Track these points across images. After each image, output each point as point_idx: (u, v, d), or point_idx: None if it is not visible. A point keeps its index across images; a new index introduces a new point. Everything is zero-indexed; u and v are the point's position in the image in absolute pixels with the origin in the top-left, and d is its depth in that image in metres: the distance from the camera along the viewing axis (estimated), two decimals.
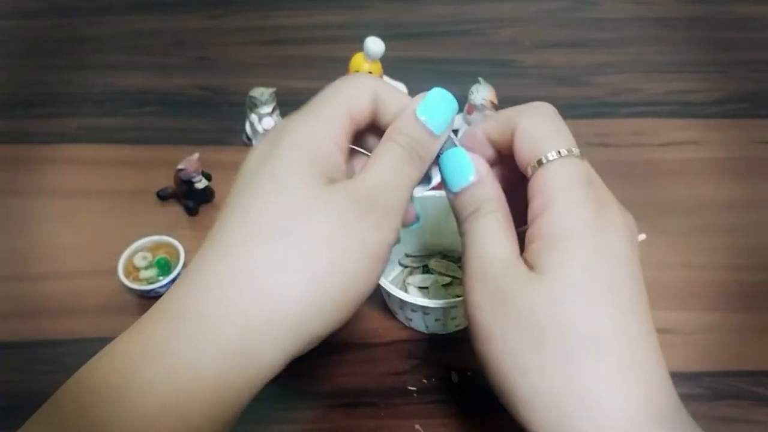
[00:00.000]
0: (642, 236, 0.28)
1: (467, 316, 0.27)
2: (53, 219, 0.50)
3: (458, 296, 0.39)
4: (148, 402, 0.22)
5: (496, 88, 0.52)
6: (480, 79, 0.51)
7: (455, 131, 0.53)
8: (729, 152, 0.54)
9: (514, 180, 0.29)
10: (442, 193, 0.44)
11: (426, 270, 0.45)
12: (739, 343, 0.42)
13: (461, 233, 0.29)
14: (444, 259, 0.45)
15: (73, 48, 0.66)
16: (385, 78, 0.56)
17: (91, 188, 0.52)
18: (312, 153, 0.26)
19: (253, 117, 0.52)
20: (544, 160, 0.26)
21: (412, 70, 0.61)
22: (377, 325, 0.43)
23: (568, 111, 0.59)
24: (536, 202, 0.26)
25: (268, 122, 0.52)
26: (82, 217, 0.50)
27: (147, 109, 0.59)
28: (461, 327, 0.42)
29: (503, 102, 0.52)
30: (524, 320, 0.25)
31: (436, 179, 0.48)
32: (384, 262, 0.27)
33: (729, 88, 0.60)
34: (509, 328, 0.25)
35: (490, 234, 0.27)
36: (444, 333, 0.42)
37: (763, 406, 0.39)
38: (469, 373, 0.40)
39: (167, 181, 0.50)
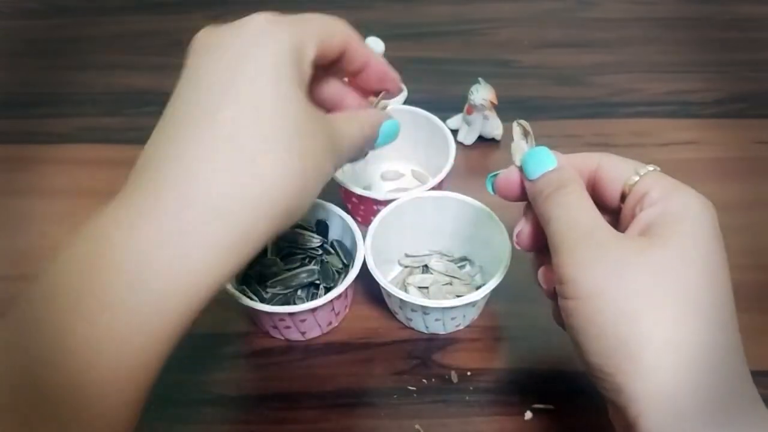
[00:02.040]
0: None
1: (562, 276, 0.28)
2: (53, 219, 0.50)
3: (458, 296, 0.39)
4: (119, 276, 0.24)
5: (496, 88, 0.51)
6: (480, 79, 0.51)
7: (455, 131, 0.53)
8: (729, 152, 0.54)
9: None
10: (442, 193, 0.44)
11: (426, 270, 0.45)
12: None
13: (543, 210, 0.31)
14: (444, 259, 0.45)
15: (73, 48, 0.66)
16: None
17: (91, 188, 0.52)
18: (299, 66, 0.29)
19: None
20: (644, 171, 0.30)
21: (412, 70, 0.60)
22: (377, 325, 0.43)
23: (568, 111, 0.59)
24: (654, 194, 0.29)
25: None
26: (82, 217, 0.49)
27: (147, 109, 0.59)
28: (461, 327, 0.42)
29: (503, 102, 0.52)
30: (633, 281, 0.27)
31: (436, 180, 0.48)
32: (315, 184, 0.29)
33: (729, 88, 0.60)
34: (615, 282, 0.27)
35: (585, 204, 0.30)
36: (444, 333, 0.42)
37: None
38: (469, 373, 0.40)
39: None
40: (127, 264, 0.24)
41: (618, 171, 0.31)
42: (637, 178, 0.30)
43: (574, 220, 0.29)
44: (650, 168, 0.30)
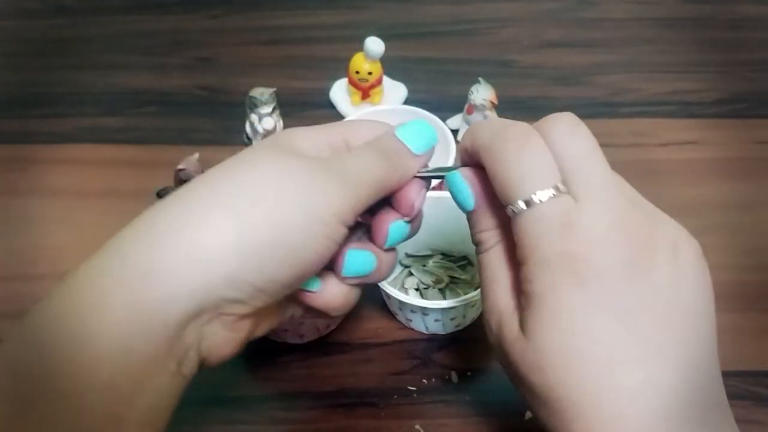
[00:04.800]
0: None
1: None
2: (53, 219, 0.50)
3: (458, 297, 0.39)
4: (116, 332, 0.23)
5: (496, 88, 0.52)
6: (480, 79, 0.51)
7: (455, 131, 0.53)
8: (729, 152, 0.54)
9: None
10: (442, 193, 0.44)
11: (426, 270, 0.45)
12: (739, 343, 0.42)
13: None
14: (444, 259, 0.45)
15: (73, 48, 0.66)
16: (385, 78, 0.56)
17: (91, 188, 0.52)
18: (286, 145, 0.28)
19: (253, 117, 0.52)
20: (513, 212, 0.25)
21: (412, 70, 0.61)
22: (377, 325, 0.43)
23: (568, 111, 0.59)
24: (518, 252, 0.25)
25: (268, 122, 0.52)
26: (82, 217, 0.50)
27: (147, 109, 0.59)
28: (461, 327, 0.42)
29: (503, 102, 0.52)
30: (516, 374, 0.26)
31: (437, 180, 0.48)
32: (332, 238, 0.26)
33: (729, 88, 0.60)
34: (511, 376, 0.26)
35: (490, 277, 0.28)
36: (444, 333, 0.42)
37: (763, 406, 0.39)
38: (469, 373, 0.40)
39: (167, 181, 0.50)
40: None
41: (500, 194, 0.26)
42: (512, 214, 0.25)
43: (484, 293, 0.28)
44: (519, 208, 0.24)
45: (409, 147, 0.28)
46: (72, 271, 0.25)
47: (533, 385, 0.25)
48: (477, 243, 0.28)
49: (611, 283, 0.24)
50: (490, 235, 0.27)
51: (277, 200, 0.25)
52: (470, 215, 0.28)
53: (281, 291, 0.26)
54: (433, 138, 0.29)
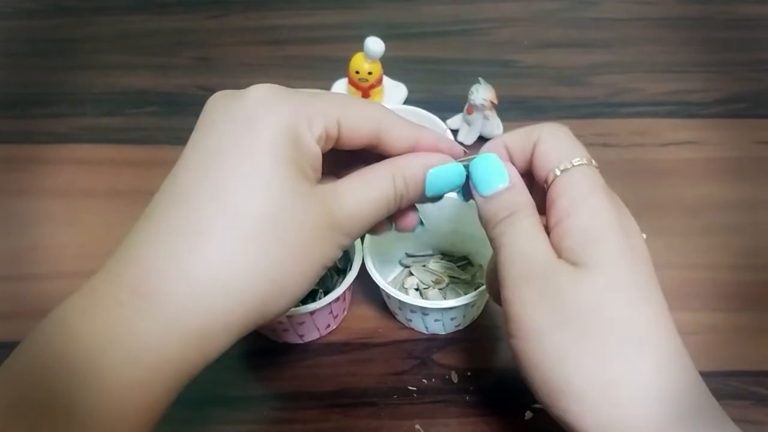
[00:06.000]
0: (642, 236, 0.30)
1: (507, 314, 0.28)
2: (53, 219, 0.50)
3: (458, 297, 0.39)
4: (114, 383, 0.23)
5: (496, 88, 0.51)
6: (480, 79, 0.51)
7: (455, 131, 0.53)
8: (729, 152, 0.54)
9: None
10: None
11: (426, 270, 0.45)
12: (739, 343, 0.42)
13: (494, 236, 0.30)
14: (444, 259, 0.45)
15: (73, 48, 0.66)
16: (385, 78, 0.56)
17: (91, 188, 0.52)
18: (298, 144, 0.26)
19: None
20: (568, 165, 0.29)
21: (412, 70, 0.61)
22: (377, 325, 0.43)
23: (568, 111, 0.59)
24: (563, 203, 0.28)
25: None
26: (82, 217, 0.50)
27: (147, 109, 0.59)
28: (461, 327, 0.42)
29: (503, 102, 0.52)
30: (571, 314, 0.26)
31: None
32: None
33: (729, 88, 0.60)
34: (555, 322, 0.27)
35: (533, 235, 0.29)
36: (444, 333, 0.42)
37: (763, 406, 0.39)
38: (469, 373, 0.40)
39: None
40: (80, 360, 0.24)
41: (547, 159, 0.30)
42: (558, 173, 0.29)
43: (523, 251, 0.28)
44: (575, 162, 0.29)
45: (427, 190, 0.30)
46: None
47: (587, 315, 0.26)
48: (511, 214, 0.29)
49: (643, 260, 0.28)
50: (527, 208, 0.29)
51: (299, 262, 0.26)
52: (500, 192, 0.30)
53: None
54: (456, 186, 0.31)
